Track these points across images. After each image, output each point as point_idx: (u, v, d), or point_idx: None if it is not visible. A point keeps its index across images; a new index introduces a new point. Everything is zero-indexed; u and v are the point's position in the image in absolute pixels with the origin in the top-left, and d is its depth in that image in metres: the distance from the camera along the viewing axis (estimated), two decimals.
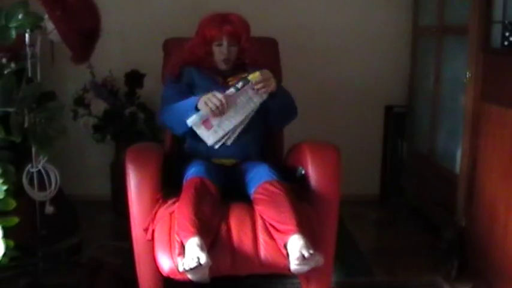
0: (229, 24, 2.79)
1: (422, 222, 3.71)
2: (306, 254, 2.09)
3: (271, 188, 2.34)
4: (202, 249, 2.09)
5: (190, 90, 2.75)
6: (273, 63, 3.04)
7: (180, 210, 2.27)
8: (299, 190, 2.45)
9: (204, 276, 2.11)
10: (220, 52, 2.80)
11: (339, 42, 4.01)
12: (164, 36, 3.14)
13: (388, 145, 4.14)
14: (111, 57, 3.80)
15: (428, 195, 3.67)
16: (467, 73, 2.97)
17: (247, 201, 2.41)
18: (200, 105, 2.55)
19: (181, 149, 2.84)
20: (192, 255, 2.06)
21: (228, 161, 2.67)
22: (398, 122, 4.09)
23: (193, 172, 2.42)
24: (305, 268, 2.15)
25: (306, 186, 2.47)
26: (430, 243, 3.38)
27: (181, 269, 2.07)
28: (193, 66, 2.84)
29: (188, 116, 2.57)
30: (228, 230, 2.25)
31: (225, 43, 2.79)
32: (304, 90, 3.85)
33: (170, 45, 3.13)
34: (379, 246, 3.54)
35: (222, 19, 2.81)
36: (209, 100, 2.52)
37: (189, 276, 2.10)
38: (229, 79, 2.77)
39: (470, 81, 2.95)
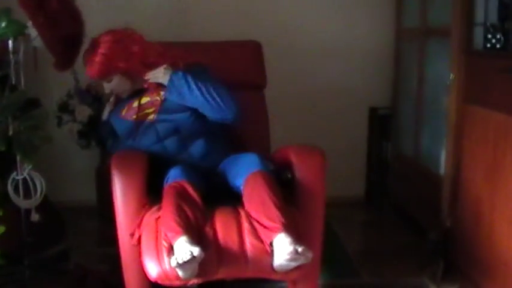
0: (89, 66, 2.74)
1: (407, 224, 3.73)
2: (300, 249, 2.08)
3: (260, 180, 2.32)
4: (192, 244, 2.08)
5: None
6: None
7: (164, 215, 2.26)
8: (285, 194, 2.45)
9: (194, 272, 2.09)
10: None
11: (323, 44, 4.02)
12: (150, 38, 3.12)
13: (373, 147, 4.16)
14: None
15: (414, 196, 3.69)
16: (450, 75, 2.99)
17: (231, 202, 2.40)
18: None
19: None
20: (185, 249, 2.06)
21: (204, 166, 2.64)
22: (382, 123, 4.11)
23: (172, 176, 2.42)
24: (292, 265, 2.13)
25: (292, 190, 2.47)
26: (415, 244, 3.40)
27: (173, 264, 2.05)
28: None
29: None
30: (214, 234, 2.24)
31: (101, 83, 2.85)
32: (288, 92, 3.88)
33: None
34: (365, 247, 3.55)
35: (87, 58, 2.75)
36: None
37: (180, 272, 2.08)
38: (142, 100, 2.80)
39: (454, 83, 2.97)
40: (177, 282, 2.20)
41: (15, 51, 2.79)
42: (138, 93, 2.82)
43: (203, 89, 2.67)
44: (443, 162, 3.18)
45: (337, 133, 4.08)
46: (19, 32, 2.44)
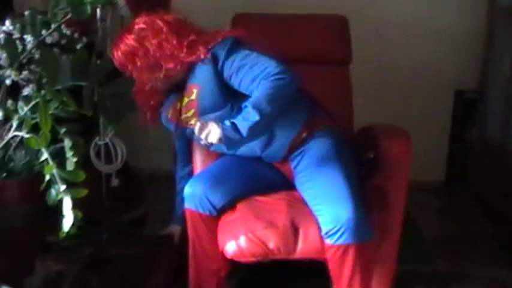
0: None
1: (488, 213, 3.60)
2: None
3: (352, 261, 2.16)
4: None
5: None
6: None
7: None
8: (365, 174, 2.40)
9: None
10: None
11: (410, 23, 3.90)
12: (234, 11, 3.10)
13: (457, 131, 4.03)
14: None
15: (497, 184, 3.55)
16: None
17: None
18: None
19: None
20: None
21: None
22: (468, 107, 3.96)
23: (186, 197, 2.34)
24: None
25: (374, 170, 2.41)
26: (495, 235, 3.29)
27: None
28: None
29: None
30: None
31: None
32: (372, 72, 3.80)
33: (240, 21, 3.02)
34: (442, 235, 3.46)
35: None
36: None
37: None
38: (184, 101, 2.45)
39: None
40: (252, 259, 2.21)
41: (103, 19, 2.83)
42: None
43: (258, 112, 2.11)
44: None
45: (420, 115, 3.96)
46: (108, 1, 2.48)
